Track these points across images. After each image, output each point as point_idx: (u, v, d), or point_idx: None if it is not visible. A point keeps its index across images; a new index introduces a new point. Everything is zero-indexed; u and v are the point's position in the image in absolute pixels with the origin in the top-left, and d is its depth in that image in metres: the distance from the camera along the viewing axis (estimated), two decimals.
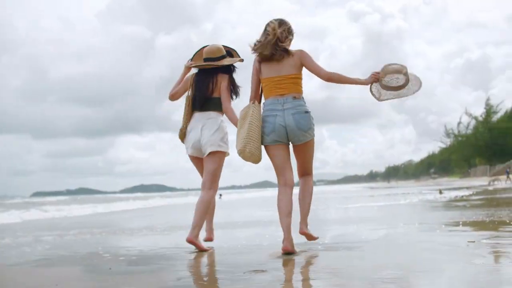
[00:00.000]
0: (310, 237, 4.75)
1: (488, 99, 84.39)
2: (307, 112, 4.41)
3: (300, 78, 4.51)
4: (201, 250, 4.88)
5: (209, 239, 5.29)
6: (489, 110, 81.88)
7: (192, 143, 4.99)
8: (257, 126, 4.40)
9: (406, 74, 4.47)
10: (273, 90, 4.44)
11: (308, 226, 4.68)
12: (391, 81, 4.47)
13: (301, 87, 4.50)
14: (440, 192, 20.85)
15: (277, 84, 4.42)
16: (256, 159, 4.45)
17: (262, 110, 4.51)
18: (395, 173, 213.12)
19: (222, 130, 4.97)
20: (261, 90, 4.60)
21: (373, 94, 4.55)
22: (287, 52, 4.41)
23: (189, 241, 4.79)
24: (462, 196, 16.86)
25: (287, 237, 4.32)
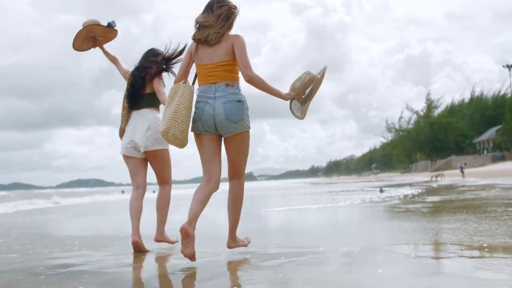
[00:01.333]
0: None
1: (428, 94, 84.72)
2: (240, 101, 4.03)
3: (235, 65, 4.09)
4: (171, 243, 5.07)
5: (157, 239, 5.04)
6: (430, 105, 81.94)
7: (126, 142, 4.93)
8: (185, 108, 3.98)
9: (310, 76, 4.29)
10: (205, 78, 4.10)
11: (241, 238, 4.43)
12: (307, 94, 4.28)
13: (237, 74, 4.12)
14: (381, 191, 18.33)
15: (209, 71, 4.09)
16: (180, 143, 4.00)
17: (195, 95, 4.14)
18: (336, 168, 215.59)
19: (154, 128, 4.84)
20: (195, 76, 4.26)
21: (294, 114, 4.27)
22: (222, 36, 4.08)
23: (157, 240, 4.96)
24: (408, 196, 14.34)
25: (189, 221, 3.84)
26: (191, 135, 4.09)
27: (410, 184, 27.67)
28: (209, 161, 4.12)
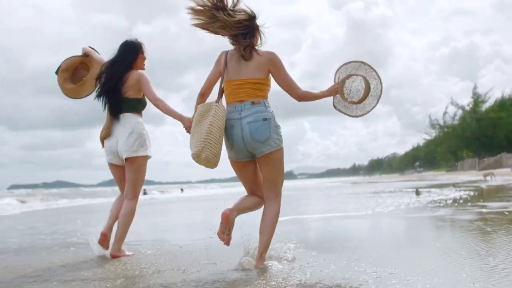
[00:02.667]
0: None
1: (475, 88, 79.93)
2: (266, 119, 3.81)
3: (266, 84, 3.92)
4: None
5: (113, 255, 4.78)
6: (477, 100, 77.40)
7: (109, 148, 4.83)
8: (218, 129, 3.77)
9: (365, 79, 4.14)
10: (231, 96, 3.93)
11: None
12: (352, 94, 4.17)
13: (266, 93, 3.92)
14: (417, 193, 15.08)
15: (236, 88, 3.90)
16: (212, 166, 3.82)
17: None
18: (378, 166, 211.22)
19: (138, 132, 4.71)
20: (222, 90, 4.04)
21: (339, 110, 4.23)
22: (254, 50, 3.93)
23: (113, 255, 4.72)
24: (456, 200, 11.28)
25: (234, 207, 3.93)
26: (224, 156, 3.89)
27: (454, 185, 24.13)
28: (251, 187, 4.08)
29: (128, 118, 4.77)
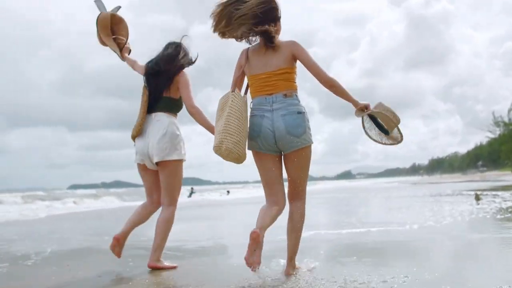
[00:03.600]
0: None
1: None
2: (300, 112, 3.73)
3: (293, 73, 3.83)
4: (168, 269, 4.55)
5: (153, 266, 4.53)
6: None
7: (139, 149, 4.57)
8: (237, 118, 3.70)
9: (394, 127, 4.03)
10: (260, 89, 3.83)
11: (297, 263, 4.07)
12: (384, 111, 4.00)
13: (295, 82, 3.84)
14: (477, 198, 12.78)
15: (263, 82, 3.81)
16: (236, 157, 3.69)
17: (249, 108, 3.85)
18: (439, 166, 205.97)
19: (171, 134, 4.46)
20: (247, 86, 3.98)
21: (365, 131, 4.10)
22: (273, 41, 3.79)
23: (151, 266, 4.51)
24: None
25: (260, 227, 3.60)
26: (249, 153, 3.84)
27: None
28: (273, 183, 3.87)
29: (161, 118, 4.52)
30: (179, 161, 4.53)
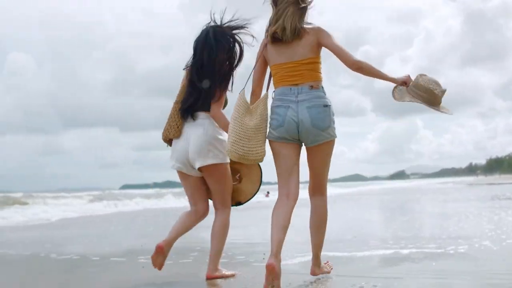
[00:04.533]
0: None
1: None
2: (326, 105, 3.65)
3: (318, 63, 3.76)
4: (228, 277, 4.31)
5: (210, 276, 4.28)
6: None
7: (177, 154, 4.18)
8: (235, 119, 3.71)
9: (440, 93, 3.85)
10: (285, 79, 3.72)
11: (323, 263, 4.10)
12: (426, 84, 3.81)
13: (320, 73, 3.75)
14: None
15: (289, 71, 3.71)
16: (238, 157, 3.70)
17: (271, 100, 3.81)
18: (498, 166, 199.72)
19: (213, 134, 4.09)
20: (270, 76, 3.91)
21: (393, 95, 3.86)
22: (300, 30, 3.68)
23: (210, 277, 4.22)
24: None
25: (275, 253, 3.46)
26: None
27: None
28: (288, 173, 3.75)
29: (202, 118, 4.16)
30: (225, 165, 4.20)
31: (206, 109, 4.15)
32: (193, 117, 4.16)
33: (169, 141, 4.29)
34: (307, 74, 3.70)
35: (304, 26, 3.70)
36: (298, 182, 3.79)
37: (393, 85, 3.85)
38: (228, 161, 4.16)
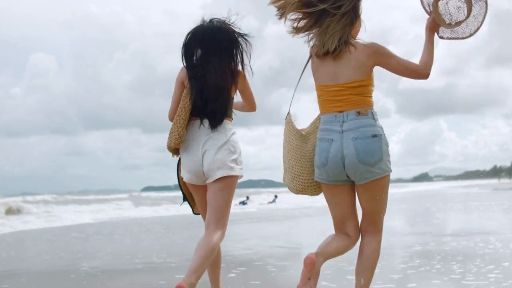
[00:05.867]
0: None
1: None
2: (375, 135, 3.17)
3: (369, 85, 3.26)
4: None
5: None
6: None
7: (189, 165, 3.75)
8: (288, 150, 3.39)
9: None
10: (328, 104, 3.29)
11: None
12: (455, 16, 3.40)
13: (370, 97, 3.28)
14: None
15: (332, 95, 3.26)
16: (294, 191, 3.44)
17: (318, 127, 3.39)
18: None
19: (233, 144, 3.72)
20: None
21: (448, 39, 3.47)
22: (348, 43, 3.21)
23: (179, 287, 3.53)
24: None
25: (319, 253, 3.20)
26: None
27: None
28: (343, 218, 3.36)
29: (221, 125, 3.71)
30: (236, 178, 3.77)
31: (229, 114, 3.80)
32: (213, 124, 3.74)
33: (175, 150, 3.85)
34: (353, 100, 3.22)
35: (352, 41, 3.19)
36: (357, 224, 3.39)
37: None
38: (243, 174, 3.81)
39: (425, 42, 3.35)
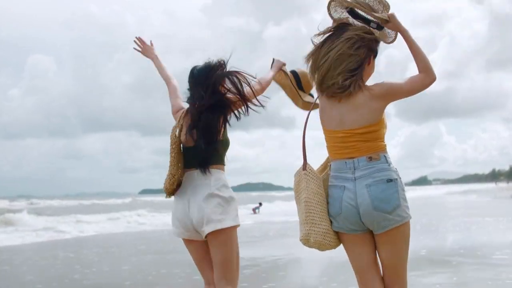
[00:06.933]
0: None
1: None
2: (390, 180, 2.94)
3: (381, 129, 3.01)
4: None
5: None
6: None
7: (179, 218, 3.52)
8: (317, 203, 3.02)
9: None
10: (337, 151, 3.04)
11: None
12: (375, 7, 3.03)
13: (382, 140, 3.03)
14: None
15: (340, 141, 3.01)
16: (329, 247, 3.07)
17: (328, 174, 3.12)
18: None
19: (224, 193, 3.46)
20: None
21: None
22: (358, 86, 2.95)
23: None
24: None
25: None
26: None
27: None
28: (365, 272, 3.08)
29: (211, 173, 3.50)
30: (233, 229, 3.54)
31: (214, 161, 3.55)
32: (198, 172, 3.53)
33: (169, 193, 3.60)
34: (363, 146, 2.96)
35: (361, 84, 2.93)
36: (380, 280, 3.09)
37: None
38: (239, 223, 3.59)
39: (410, 44, 3.06)
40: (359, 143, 2.96)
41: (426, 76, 2.97)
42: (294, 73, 3.72)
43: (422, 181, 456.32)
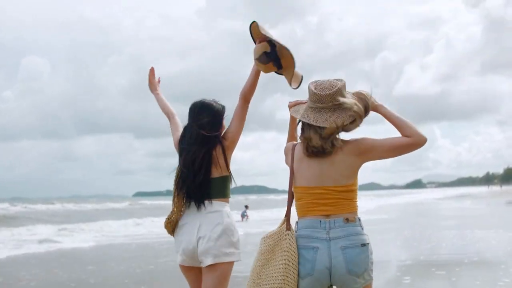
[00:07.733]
0: None
1: None
2: (364, 245, 2.93)
3: (356, 189, 3.03)
4: None
5: None
6: None
7: (183, 248, 3.56)
8: (296, 266, 2.93)
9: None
10: (312, 208, 2.97)
11: None
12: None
13: (356, 201, 3.03)
14: None
15: (317, 198, 2.96)
16: None
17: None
18: None
19: (229, 227, 3.51)
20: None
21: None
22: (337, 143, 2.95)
23: None
24: None
25: None
26: None
27: None
28: None
29: (214, 206, 3.54)
30: (231, 264, 3.57)
31: (216, 195, 3.59)
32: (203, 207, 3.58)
33: (170, 230, 3.70)
34: (341, 204, 2.94)
35: (341, 142, 2.92)
36: None
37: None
38: (239, 259, 3.60)
39: (389, 119, 3.05)
40: (338, 200, 2.94)
41: (414, 139, 2.93)
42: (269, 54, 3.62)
43: (416, 184, 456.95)
